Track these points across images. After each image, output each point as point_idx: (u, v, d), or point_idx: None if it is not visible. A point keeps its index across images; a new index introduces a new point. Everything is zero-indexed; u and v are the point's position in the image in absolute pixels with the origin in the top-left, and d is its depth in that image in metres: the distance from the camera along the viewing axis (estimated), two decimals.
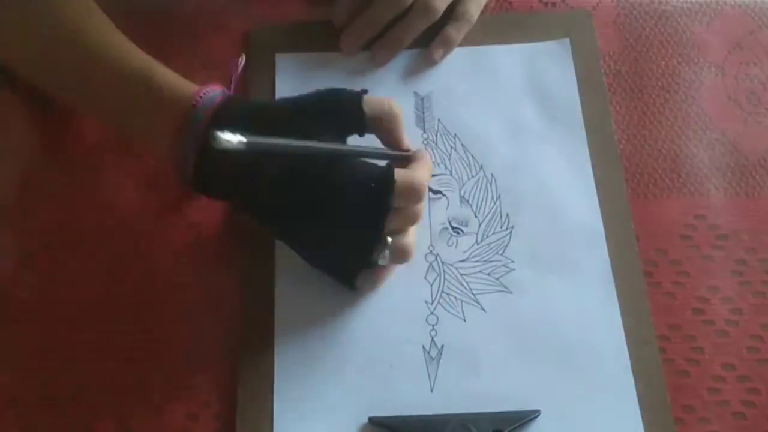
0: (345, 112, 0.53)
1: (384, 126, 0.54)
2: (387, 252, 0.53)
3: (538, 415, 0.53)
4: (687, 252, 0.59)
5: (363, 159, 0.53)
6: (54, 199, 0.60)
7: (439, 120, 0.64)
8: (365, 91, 0.54)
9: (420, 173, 0.53)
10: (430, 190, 0.61)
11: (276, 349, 0.55)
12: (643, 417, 0.53)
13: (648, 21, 0.69)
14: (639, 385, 0.54)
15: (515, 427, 0.52)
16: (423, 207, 0.55)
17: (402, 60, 0.66)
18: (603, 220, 0.59)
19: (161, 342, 0.56)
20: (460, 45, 0.66)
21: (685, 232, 0.60)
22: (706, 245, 0.59)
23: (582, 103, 0.64)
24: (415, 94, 0.65)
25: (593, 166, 0.61)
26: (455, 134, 0.63)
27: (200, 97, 0.52)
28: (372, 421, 0.53)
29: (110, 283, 0.58)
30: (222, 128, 0.44)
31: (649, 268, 0.58)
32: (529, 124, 0.63)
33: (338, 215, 0.52)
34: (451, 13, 0.65)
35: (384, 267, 0.55)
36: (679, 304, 0.57)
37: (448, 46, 0.65)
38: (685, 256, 0.59)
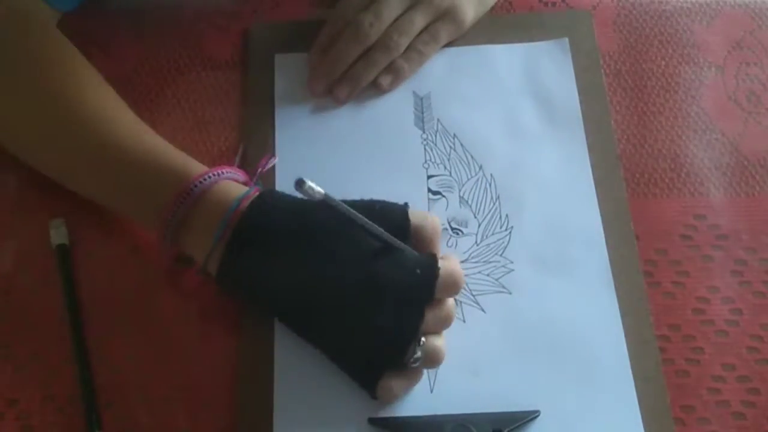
0: (393, 219, 0.53)
1: (426, 237, 0.54)
2: (420, 353, 0.51)
3: (538, 415, 0.53)
4: (687, 252, 0.59)
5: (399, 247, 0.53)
6: (54, 199, 0.60)
7: (438, 120, 0.64)
8: (407, 204, 0.55)
9: (455, 264, 0.53)
10: (430, 191, 0.61)
11: (276, 349, 0.55)
12: (642, 417, 0.53)
13: (648, 21, 0.69)
14: (639, 385, 0.54)
15: (515, 427, 0.52)
16: (455, 307, 0.54)
17: None
18: (602, 220, 0.59)
19: (161, 342, 0.56)
20: (460, 45, 0.66)
21: (685, 232, 0.60)
22: (706, 245, 0.59)
23: (581, 102, 0.64)
24: (414, 93, 0.65)
25: (593, 166, 0.61)
26: (454, 134, 0.63)
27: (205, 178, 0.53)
28: (372, 421, 0.53)
29: (110, 284, 0.58)
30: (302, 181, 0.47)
31: (649, 268, 0.58)
32: (529, 124, 0.63)
33: (378, 304, 0.51)
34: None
35: (412, 372, 0.53)
36: (679, 304, 0.57)
37: (396, 76, 0.64)
38: (685, 256, 0.59)
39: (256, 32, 0.67)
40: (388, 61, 0.64)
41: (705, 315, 0.57)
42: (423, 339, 0.51)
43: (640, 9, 0.69)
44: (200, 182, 0.52)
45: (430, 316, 0.51)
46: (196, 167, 0.54)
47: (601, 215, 0.59)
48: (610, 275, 0.57)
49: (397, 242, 0.52)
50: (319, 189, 0.48)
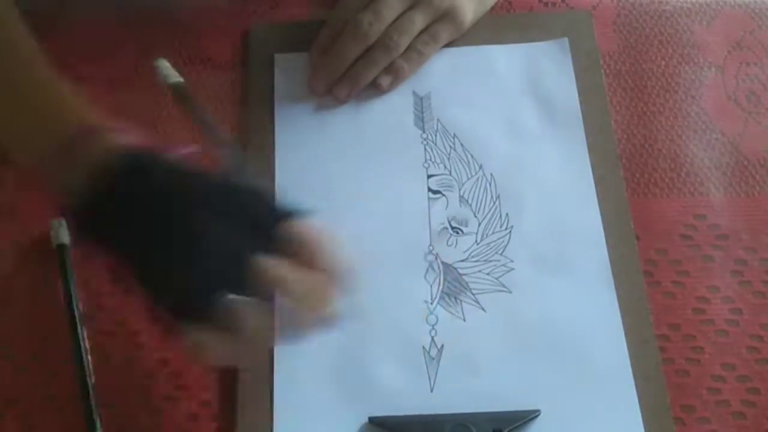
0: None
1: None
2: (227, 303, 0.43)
3: (538, 415, 0.53)
4: (687, 252, 0.59)
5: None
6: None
7: (438, 120, 0.64)
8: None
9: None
10: (430, 190, 0.61)
11: (276, 349, 0.55)
12: (642, 417, 0.53)
13: (648, 21, 0.69)
14: (639, 385, 0.54)
15: (515, 427, 0.52)
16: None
17: None
18: (602, 219, 0.59)
19: (161, 342, 0.56)
20: (460, 45, 0.66)
21: (685, 232, 0.60)
22: (706, 245, 0.59)
23: (581, 102, 0.64)
24: (414, 93, 0.65)
25: (593, 166, 0.61)
26: (454, 134, 0.63)
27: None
28: (372, 421, 0.53)
29: (110, 284, 0.58)
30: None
31: (649, 268, 0.58)
32: (529, 124, 0.63)
33: (202, 220, 0.45)
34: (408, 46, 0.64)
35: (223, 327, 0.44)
36: (679, 304, 0.57)
37: (396, 76, 0.64)
38: (685, 256, 0.59)
39: (256, 32, 0.68)
40: (388, 61, 0.64)
41: (705, 315, 0.57)
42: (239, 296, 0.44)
43: (640, 9, 0.69)
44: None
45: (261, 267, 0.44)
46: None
47: (601, 215, 0.59)
48: (610, 275, 0.57)
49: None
50: (175, 73, 0.45)
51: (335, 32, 0.65)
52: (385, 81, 0.64)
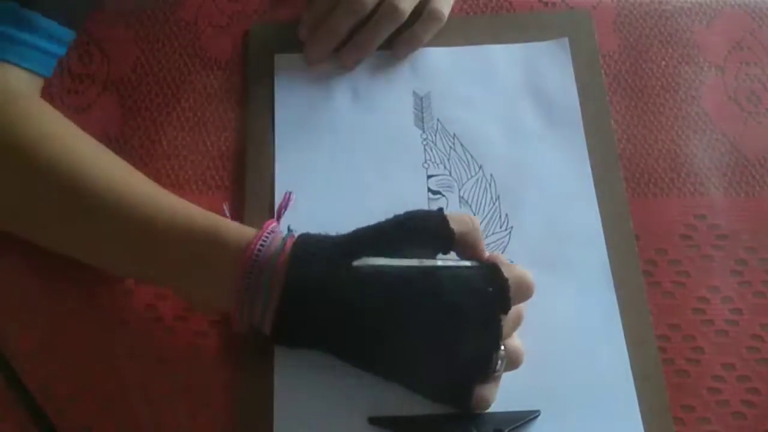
0: (434, 232, 0.52)
1: (469, 241, 0.53)
2: (501, 361, 0.50)
3: (538, 415, 0.53)
4: (687, 252, 0.59)
5: (457, 269, 0.51)
6: None
7: (438, 120, 0.64)
8: (441, 209, 0.53)
9: (519, 269, 0.52)
10: (430, 190, 0.61)
11: (276, 349, 0.55)
12: (642, 417, 0.53)
13: (648, 21, 0.69)
14: (639, 385, 0.54)
15: (515, 427, 0.52)
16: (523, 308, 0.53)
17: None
18: (602, 220, 0.59)
19: (161, 341, 0.56)
20: (460, 44, 0.66)
21: (685, 232, 0.60)
22: (706, 245, 0.59)
23: (581, 102, 0.64)
24: (414, 93, 0.65)
25: (592, 166, 0.61)
26: (454, 134, 0.63)
27: (263, 242, 0.50)
28: (372, 421, 0.53)
29: (110, 282, 0.58)
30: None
31: (649, 268, 0.58)
32: (528, 124, 0.63)
33: (457, 329, 0.50)
34: (419, 13, 0.65)
35: (497, 378, 0.52)
36: (679, 304, 0.57)
37: (414, 45, 0.65)
38: (685, 256, 0.59)
39: (256, 32, 0.67)
40: (393, 28, 0.64)
41: (705, 315, 0.57)
42: (502, 347, 0.50)
43: (640, 9, 0.69)
44: (259, 250, 0.50)
45: (505, 325, 0.50)
46: (241, 232, 0.52)
47: (601, 215, 0.59)
48: (609, 275, 0.57)
49: (444, 265, 0.51)
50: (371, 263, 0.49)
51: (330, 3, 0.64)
52: (402, 52, 0.65)
